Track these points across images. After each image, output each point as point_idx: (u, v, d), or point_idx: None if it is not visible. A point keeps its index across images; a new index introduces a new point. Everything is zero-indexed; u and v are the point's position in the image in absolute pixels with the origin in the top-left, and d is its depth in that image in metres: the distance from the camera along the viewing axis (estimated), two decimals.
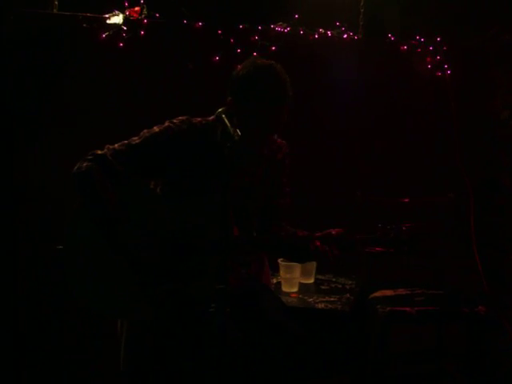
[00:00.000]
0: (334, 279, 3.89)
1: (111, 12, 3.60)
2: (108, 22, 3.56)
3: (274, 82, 2.48)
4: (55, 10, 3.65)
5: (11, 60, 3.52)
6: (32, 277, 3.61)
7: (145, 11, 3.63)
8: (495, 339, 4.20)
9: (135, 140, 2.57)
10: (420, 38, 4.23)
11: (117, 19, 3.56)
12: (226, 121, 2.29)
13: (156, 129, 2.59)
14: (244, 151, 2.54)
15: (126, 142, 2.57)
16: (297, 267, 3.57)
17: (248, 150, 2.56)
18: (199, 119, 2.62)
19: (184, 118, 2.63)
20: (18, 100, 3.56)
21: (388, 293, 3.51)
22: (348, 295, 3.60)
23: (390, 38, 4.18)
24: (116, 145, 2.55)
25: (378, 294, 3.51)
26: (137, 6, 3.66)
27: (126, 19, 3.58)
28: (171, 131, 2.57)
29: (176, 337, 2.50)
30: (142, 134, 2.59)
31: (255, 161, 2.68)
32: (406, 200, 3.78)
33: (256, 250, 2.79)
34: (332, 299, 3.51)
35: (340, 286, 3.77)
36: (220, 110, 2.34)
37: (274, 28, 3.88)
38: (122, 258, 2.42)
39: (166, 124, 2.60)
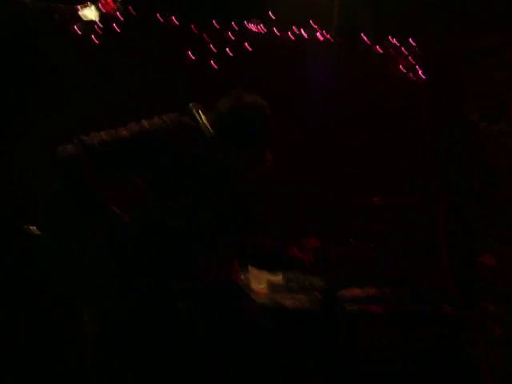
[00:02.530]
0: (302, 277, 3.90)
1: (83, 3, 3.56)
2: (80, 13, 3.52)
3: (255, 130, 2.43)
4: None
5: None
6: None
7: (118, 4, 3.60)
8: (461, 339, 4.25)
9: (123, 132, 2.51)
10: (393, 40, 4.26)
11: (89, 11, 3.53)
12: (198, 117, 2.29)
13: (145, 123, 2.54)
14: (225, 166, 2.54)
15: (113, 131, 2.50)
16: None
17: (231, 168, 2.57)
18: (188, 119, 2.57)
19: (174, 115, 2.58)
20: None
21: (356, 292, 3.53)
22: (316, 293, 3.61)
23: (363, 39, 4.19)
24: (103, 133, 2.49)
25: (346, 292, 3.53)
26: None
27: (99, 12, 3.55)
28: (160, 128, 2.52)
29: (146, 332, 2.49)
30: (130, 126, 2.53)
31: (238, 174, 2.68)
32: (377, 200, 3.81)
33: (231, 253, 2.76)
34: (300, 297, 3.52)
35: (308, 284, 3.78)
36: (191, 104, 2.32)
37: (250, 28, 3.88)
38: (106, 244, 2.41)
39: (156, 120, 2.54)
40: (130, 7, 3.67)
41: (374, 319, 3.33)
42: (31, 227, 2.49)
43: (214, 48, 3.79)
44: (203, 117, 2.31)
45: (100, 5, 3.55)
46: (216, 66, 3.81)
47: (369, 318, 3.32)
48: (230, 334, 2.58)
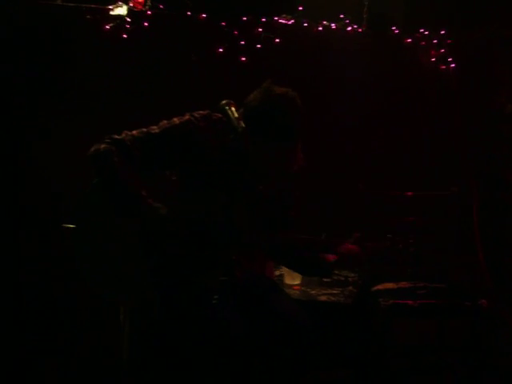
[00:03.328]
0: (336, 272, 3.89)
1: (115, 3, 3.58)
2: (112, 13, 3.55)
3: (287, 122, 2.39)
4: (59, 1, 3.64)
5: (16, 49, 3.52)
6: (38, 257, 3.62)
7: (149, 2, 3.62)
8: (497, 333, 4.21)
9: (154, 129, 2.54)
10: (424, 31, 4.22)
11: (121, 10, 3.55)
12: (230, 113, 2.28)
13: (176, 121, 2.56)
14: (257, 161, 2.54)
15: (144, 129, 2.54)
16: None
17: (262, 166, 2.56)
18: (219, 116, 2.58)
19: (205, 112, 2.59)
20: (20, 90, 3.56)
21: (390, 286, 3.51)
22: (351, 288, 3.60)
23: (393, 30, 4.17)
24: (134, 131, 2.53)
25: (380, 286, 3.51)
26: None
27: (129, 11, 3.57)
28: (191, 125, 2.54)
29: (180, 327, 2.50)
30: (161, 124, 2.57)
31: (269, 172, 2.67)
32: (410, 194, 3.78)
33: (270, 251, 2.74)
34: (335, 292, 3.52)
35: (343, 279, 3.77)
36: (223, 102, 2.32)
37: (277, 20, 3.87)
38: (142, 239, 2.43)
39: (187, 117, 2.56)
40: (160, 6, 3.67)
41: (408, 313, 3.31)
42: (69, 225, 2.52)
43: (244, 43, 3.78)
44: (234, 112, 2.31)
45: (131, 3, 3.57)
46: (246, 61, 3.80)
47: (403, 312, 3.30)
48: (265, 329, 2.58)
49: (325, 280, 3.62)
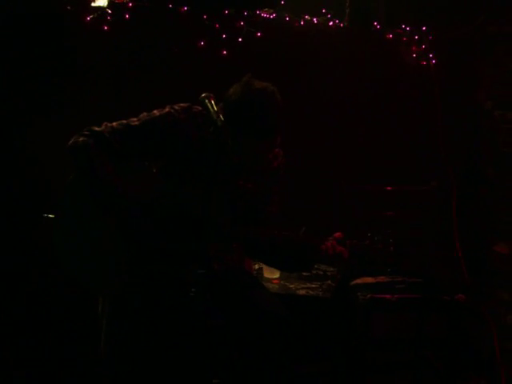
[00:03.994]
0: (315, 266, 3.89)
1: None
2: (93, 4, 3.53)
3: (266, 118, 2.38)
4: None
5: None
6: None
7: None
8: (474, 327, 4.25)
9: (134, 121, 2.54)
10: (406, 27, 4.25)
11: (101, 2, 3.53)
12: (209, 106, 2.28)
13: (156, 113, 2.57)
14: (236, 154, 2.54)
15: (124, 121, 2.55)
16: None
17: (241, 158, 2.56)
18: (200, 109, 2.58)
19: (185, 105, 2.60)
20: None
21: (369, 280, 3.53)
22: (329, 282, 3.62)
23: (375, 26, 4.18)
24: (114, 123, 2.53)
25: (359, 280, 3.53)
26: None
27: (110, 2, 3.55)
28: (171, 117, 2.54)
29: (158, 320, 2.50)
30: (141, 116, 2.57)
31: (249, 167, 2.67)
32: (389, 188, 3.80)
33: (247, 246, 2.73)
34: (313, 286, 3.53)
35: (321, 273, 3.79)
36: (203, 95, 2.31)
37: (259, 14, 3.87)
38: (118, 232, 2.43)
39: (167, 109, 2.57)
40: None
41: (386, 308, 3.33)
42: (50, 216, 2.52)
43: (225, 36, 3.78)
44: (214, 105, 2.30)
45: None
46: (227, 55, 3.80)
47: (381, 307, 3.32)
48: (243, 322, 2.59)
49: (304, 274, 3.64)
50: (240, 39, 3.80)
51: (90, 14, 3.54)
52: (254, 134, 2.40)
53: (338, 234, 2.57)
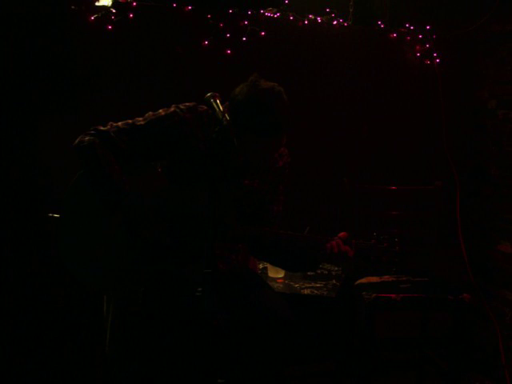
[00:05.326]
0: (320, 265, 3.89)
1: None
2: (97, 4, 3.52)
3: (272, 117, 2.38)
4: None
5: None
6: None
7: None
8: (479, 327, 4.25)
9: (140, 121, 2.55)
10: (409, 26, 4.24)
11: (105, 1, 3.53)
12: (215, 105, 2.28)
13: (162, 112, 2.56)
14: (241, 154, 2.54)
15: (130, 121, 2.55)
16: None
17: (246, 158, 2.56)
18: (205, 108, 2.58)
19: (191, 104, 2.59)
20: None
21: (374, 279, 3.53)
22: (334, 281, 3.61)
23: (379, 25, 4.18)
24: (120, 123, 2.54)
25: (363, 280, 3.52)
26: None
27: (114, 1, 3.55)
28: (176, 117, 2.54)
29: (163, 319, 2.50)
30: (147, 115, 2.57)
31: (255, 166, 2.67)
32: (394, 188, 3.80)
33: (251, 243, 2.72)
34: (318, 285, 3.53)
35: (326, 272, 3.78)
36: (208, 94, 2.31)
37: (263, 13, 3.87)
38: (122, 232, 2.43)
39: (172, 109, 2.57)
40: None
41: (391, 307, 3.32)
42: (55, 215, 2.53)
43: (229, 35, 3.77)
44: (219, 105, 2.30)
45: None
46: (231, 54, 3.79)
47: (386, 306, 3.31)
48: (248, 322, 2.58)
49: (308, 273, 3.63)
50: (244, 38, 3.79)
51: (94, 14, 3.54)
52: (260, 133, 2.39)
53: (342, 234, 2.57)
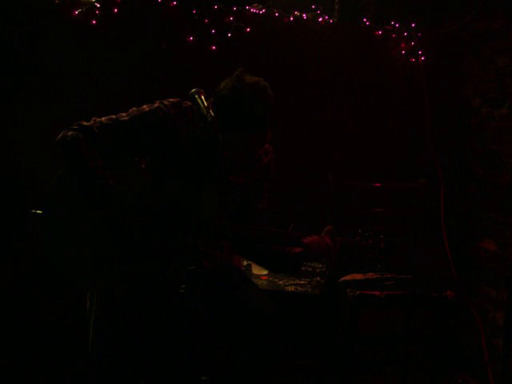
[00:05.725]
0: (304, 262, 3.89)
1: None
2: None
3: (257, 112, 2.37)
4: None
5: None
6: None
7: None
8: (462, 324, 4.27)
9: (123, 116, 2.53)
10: (395, 24, 4.25)
11: None
12: (199, 101, 2.27)
13: (146, 108, 2.54)
14: (226, 149, 2.53)
15: (113, 116, 2.53)
16: None
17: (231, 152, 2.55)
18: (189, 104, 2.57)
19: (175, 100, 2.58)
20: None
21: (358, 276, 3.53)
22: (318, 278, 3.62)
23: (364, 22, 4.18)
24: (103, 118, 2.52)
25: (347, 277, 3.52)
26: None
27: None
28: (160, 113, 2.52)
29: (146, 316, 2.49)
30: (130, 111, 2.55)
31: (239, 162, 2.66)
32: (378, 185, 3.80)
33: (235, 240, 2.71)
34: (302, 282, 3.53)
35: (310, 269, 3.79)
36: (193, 90, 2.30)
37: (249, 9, 3.86)
38: (107, 227, 2.42)
39: (156, 104, 2.55)
40: None
41: (375, 304, 3.32)
42: (38, 211, 2.50)
43: (214, 31, 3.76)
44: (204, 101, 2.29)
45: None
46: (216, 50, 3.78)
47: (370, 303, 3.31)
48: (233, 319, 2.58)
49: None
50: (229, 34, 3.78)
51: (78, 8, 3.50)
52: (244, 128, 2.38)
53: (328, 228, 2.57)
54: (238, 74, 2.44)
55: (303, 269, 3.74)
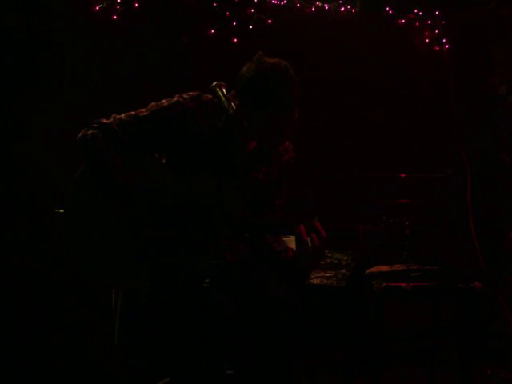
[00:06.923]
0: (329, 254, 3.87)
1: None
2: None
3: (282, 89, 2.38)
4: None
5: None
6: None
7: None
8: (490, 315, 4.22)
9: (143, 112, 2.52)
10: (418, 12, 4.20)
11: None
12: (220, 94, 2.25)
13: (165, 102, 2.53)
14: (252, 136, 2.52)
15: (133, 112, 2.52)
16: (293, 241, 3.53)
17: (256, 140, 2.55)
18: (210, 97, 2.56)
19: (195, 93, 2.56)
20: (5, 75, 3.51)
21: (384, 268, 3.50)
22: (344, 271, 3.59)
23: (387, 11, 4.14)
24: (123, 115, 2.51)
25: (373, 269, 3.49)
26: None
27: None
28: (180, 107, 2.51)
29: (171, 311, 2.49)
30: (150, 106, 2.55)
31: (261, 157, 2.65)
32: (403, 175, 3.76)
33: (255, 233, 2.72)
34: (328, 275, 3.51)
35: (336, 262, 3.76)
36: (214, 83, 2.29)
37: (270, 1, 3.84)
38: (128, 225, 2.42)
39: (176, 99, 2.53)
40: None
41: (401, 296, 3.29)
42: (60, 210, 2.51)
43: (235, 24, 3.75)
44: (225, 93, 2.28)
45: None
46: (237, 42, 3.77)
47: (396, 295, 3.28)
48: (257, 312, 2.57)
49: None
50: (250, 27, 3.76)
51: (99, 4, 3.51)
52: (272, 107, 2.38)
53: (315, 220, 2.53)
54: (257, 57, 2.45)
55: (328, 261, 3.71)
